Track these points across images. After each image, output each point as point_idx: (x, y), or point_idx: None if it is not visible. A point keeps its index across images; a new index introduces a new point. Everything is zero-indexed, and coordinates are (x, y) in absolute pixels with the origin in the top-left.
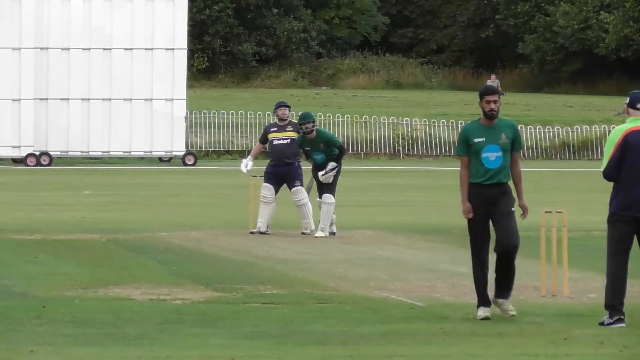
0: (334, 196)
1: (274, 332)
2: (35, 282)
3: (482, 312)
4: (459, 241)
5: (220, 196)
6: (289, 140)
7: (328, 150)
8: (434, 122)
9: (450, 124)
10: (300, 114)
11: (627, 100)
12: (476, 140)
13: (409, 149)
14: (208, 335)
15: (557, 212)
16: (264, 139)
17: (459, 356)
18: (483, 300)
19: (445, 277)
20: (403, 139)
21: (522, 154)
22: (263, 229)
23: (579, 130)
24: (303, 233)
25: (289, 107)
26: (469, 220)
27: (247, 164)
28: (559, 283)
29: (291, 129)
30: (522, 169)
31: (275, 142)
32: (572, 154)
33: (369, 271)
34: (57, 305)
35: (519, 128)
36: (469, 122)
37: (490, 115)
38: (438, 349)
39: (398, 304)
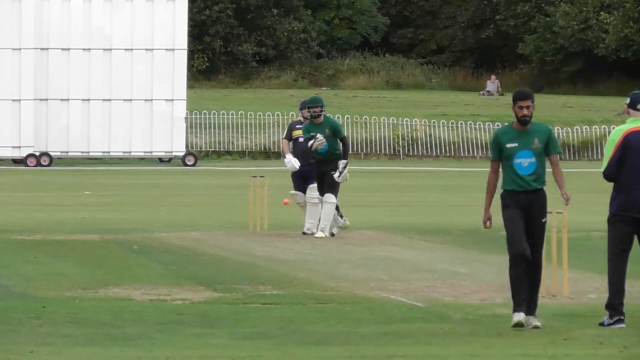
0: (335, 196)
1: (274, 332)
2: (35, 283)
3: (517, 317)
4: (459, 241)
5: (220, 196)
6: None
7: (332, 138)
8: (434, 122)
9: (450, 125)
10: (310, 97)
11: (627, 100)
12: (509, 145)
13: (409, 150)
14: (208, 335)
15: (557, 212)
16: (289, 136)
17: (458, 356)
18: (518, 302)
19: (445, 277)
20: (403, 139)
21: None
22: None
23: (579, 130)
24: (304, 233)
25: None
26: (505, 215)
27: (294, 161)
28: (558, 283)
29: None
30: None
31: (300, 139)
32: (572, 155)
33: (369, 271)
34: (57, 306)
35: None
36: (502, 126)
37: (523, 121)
38: (438, 349)
39: (398, 304)
